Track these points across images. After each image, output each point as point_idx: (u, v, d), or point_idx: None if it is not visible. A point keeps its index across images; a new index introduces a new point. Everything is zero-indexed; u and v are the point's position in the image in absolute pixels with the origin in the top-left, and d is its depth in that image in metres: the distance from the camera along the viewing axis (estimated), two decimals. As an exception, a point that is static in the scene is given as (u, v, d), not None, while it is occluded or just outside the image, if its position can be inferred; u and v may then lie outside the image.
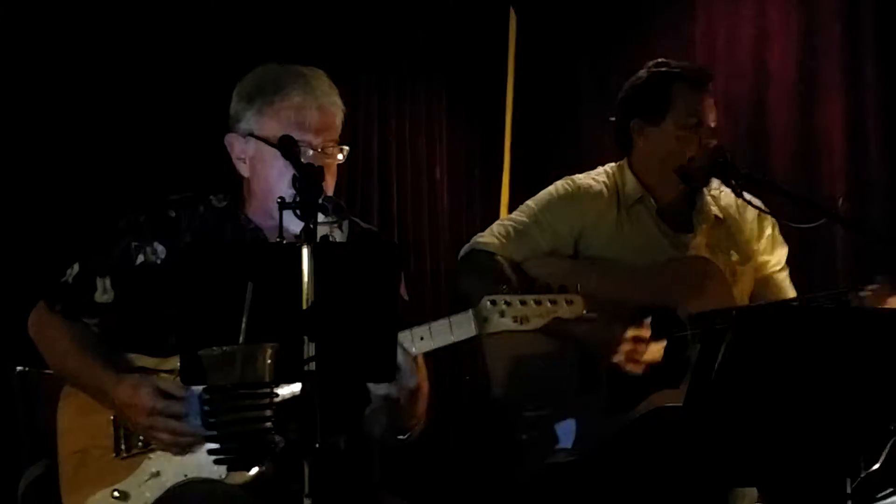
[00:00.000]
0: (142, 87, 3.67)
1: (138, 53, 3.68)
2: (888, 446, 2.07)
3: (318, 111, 2.35)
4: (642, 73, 3.09)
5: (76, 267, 2.42)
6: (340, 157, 2.39)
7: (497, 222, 3.10)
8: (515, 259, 3.01)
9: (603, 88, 4.47)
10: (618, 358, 2.81)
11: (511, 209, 3.39)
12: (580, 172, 3.17)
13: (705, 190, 3.07)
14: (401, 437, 2.30)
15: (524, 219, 3.05)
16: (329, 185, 2.34)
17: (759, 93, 4.05)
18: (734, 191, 2.99)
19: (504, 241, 3.02)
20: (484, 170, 4.60)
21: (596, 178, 3.11)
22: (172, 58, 3.72)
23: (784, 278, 3.12)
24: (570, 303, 2.21)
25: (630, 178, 3.07)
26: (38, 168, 3.53)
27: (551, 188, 3.10)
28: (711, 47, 4.20)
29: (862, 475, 2.08)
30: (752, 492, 2.63)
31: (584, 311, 2.22)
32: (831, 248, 3.22)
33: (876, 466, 2.09)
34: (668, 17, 4.34)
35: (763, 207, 3.07)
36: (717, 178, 3.02)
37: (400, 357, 2.13)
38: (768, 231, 3.11)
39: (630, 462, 2.77)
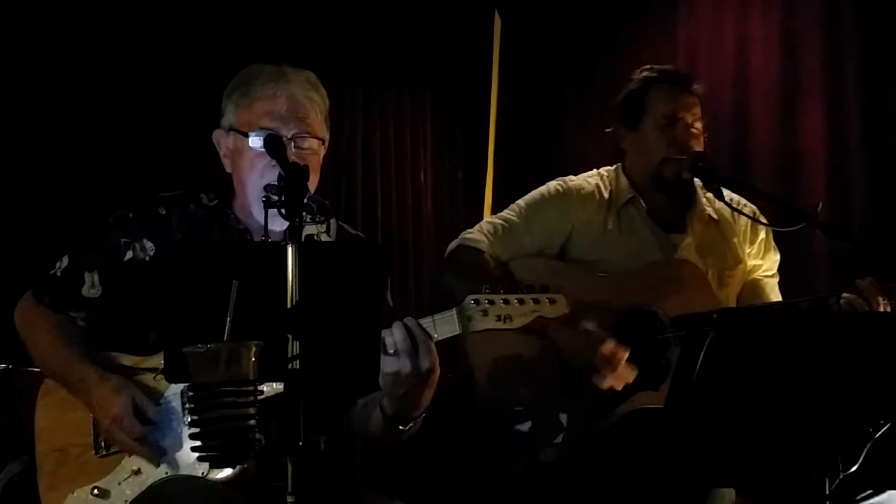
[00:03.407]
0: (136, 84, 3.69)
1: (134, 51, 3.69)
2: (866, 448, 2.08)
3: (287, 100, 2.36)
4: (629, 81, 3.12)
5: (65, 260, 2.43)
6: (313, 147, 2.38)
7: (486, 219, 3.11)
8: (501, 258, 3.02)
9: (586, 93, 4.50)
10: (605, 383, 2.79)
11: (495, 212, 3.40)
12: (563, 175, 3.18)
13: (700, 191, 3.08)
14: (402, 427, 2.27)
15: (513, 217, 3.07)
16: (311, 183, 2.35)
17: (741, 98, 4.07)
18: (715, 195, 3.01)
19: (491, 238, 3.03)
20: (468, 172, 4.62)
21: (589, 179, 3.12)
22: (167, 57, 3.73)
23: (773, 285, 3.13)
24: (552, 302, 2.22)
25: (623, 180, 3.09)
26: (27, 163, 3.53)
27: (543, 188, 3.12)
28: (694, 53, 4.23)
29: (841, 476, 2.09)
30: (731, 492, 2.65)
31: (567, 310, 2.23)
32: (810, 252, 3.24)
33: (854, 468, 2.10)
34: (651, 23, 4.36)
35: (758, 215, 3.08)
36: (686, 183, 3.02)
37: (419, 336, 2.14)
38: (761, 236, 3.13)
39: (610, 463, 2.78)
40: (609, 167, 3.16)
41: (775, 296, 3.11)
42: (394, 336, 2.14)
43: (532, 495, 2.91)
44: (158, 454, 2.28)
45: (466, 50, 4.57)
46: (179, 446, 2.26)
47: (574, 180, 3.12)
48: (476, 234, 3.04)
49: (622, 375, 2.78)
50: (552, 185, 3.11)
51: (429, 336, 2.17)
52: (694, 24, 4.26)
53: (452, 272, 3.02)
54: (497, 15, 4.59)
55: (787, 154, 4.04)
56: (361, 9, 4.29)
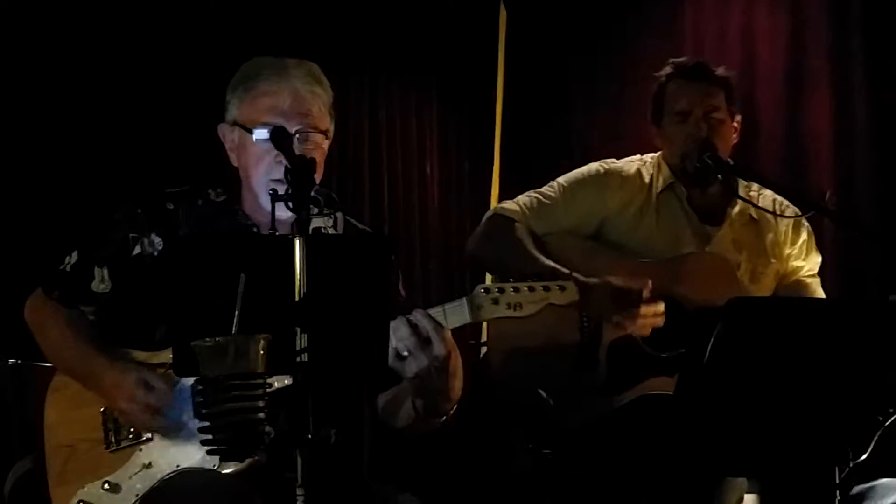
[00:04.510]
0: (142, 79, 3.70)
1: (140, 45, 3.71)
2: (876, 436, 2.08)
3: (290, 95, 2.36)
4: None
5: (74, 255, 2.44)
6: (317, 142, 2.38)
7: (525, 193, 3.12)
8: (536, 232, 3.03)
9: (592, 84, 4.50)
10: (615, 318, 2.81)
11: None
12: (569, 166, 3.19)
13: (742, 189, 3.08)
14: (438, 420, 2.28)
15: (552, 193, 3.08)
16: (316, 177, 2.35)
17: (748, 89, 4.06)
18: (726, 186, 3.01)
19: (528, 211, 3.05)
20: (474, 165, 4.62)
21: (631, 162, 3.14)
22: (172, 51, 3.74)
23: (817, 284, 3.13)
24: (563, 289, 2.22)
25: (665, 167, 3.10)
26: (35, 158, 3.54)
27: (584, 168, 3.13)
28: (700, 44, 4.22)
29: (850, 465, 2.09)
30: (742, 481, 2.65)
31: (577, 298, 2.23)
32: (819, 241, 3.23)
33: (864, 456, 2.10)
34: (657, 14, 4.36)
35: (801, 216, 3.08)
36: (707, 172, 3.02)
37: (428, 327, 2.14)
38: (803, 237, 3.13)
39: (617, 448, 2.79)
40: (652, 154, 3.16)
41: (819, 295, 3.10)
42: (400, 333, 2.14)
43: (537, 482, 2.91)
44: (173, 439, 2.28)
45: (472, 43, 4.57)
46: (189, 440, 2.26)
47: (616, 163, 3.13)
48: (512, 206, 3.07)
49: (657, 318, 2.80)
50: (594, 165, 3.13)
51: (438, 324, 2.16)
52: (700, 15, 4.25)
53: (484, 238, 3.05)
54: (502, 7, 4.59)
55: (794, 144, 4.03)
56: (366, 1, 4.29)
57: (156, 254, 2.40)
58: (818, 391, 2.07)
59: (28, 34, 3.56)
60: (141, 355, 2.37)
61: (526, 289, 2.20)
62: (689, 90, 3.05)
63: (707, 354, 2.01)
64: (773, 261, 3.08)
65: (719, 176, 3.00)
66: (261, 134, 2.28)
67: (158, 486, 2.26)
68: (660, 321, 2.83)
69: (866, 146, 3.89)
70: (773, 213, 3.07)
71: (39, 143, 3.57)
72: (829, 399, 2.08)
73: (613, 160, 3.15)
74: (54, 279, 2.45)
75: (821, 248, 3.21)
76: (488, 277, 2.89)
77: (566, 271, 2.63)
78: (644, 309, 2.80)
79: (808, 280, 3.12)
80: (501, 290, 2.21)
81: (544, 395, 2.82)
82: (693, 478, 2.52)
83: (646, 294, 2.80)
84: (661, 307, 2.82)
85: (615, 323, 2.84)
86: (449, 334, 2.19)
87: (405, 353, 2.15)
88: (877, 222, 3.80)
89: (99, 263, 2.41)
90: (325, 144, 2.42)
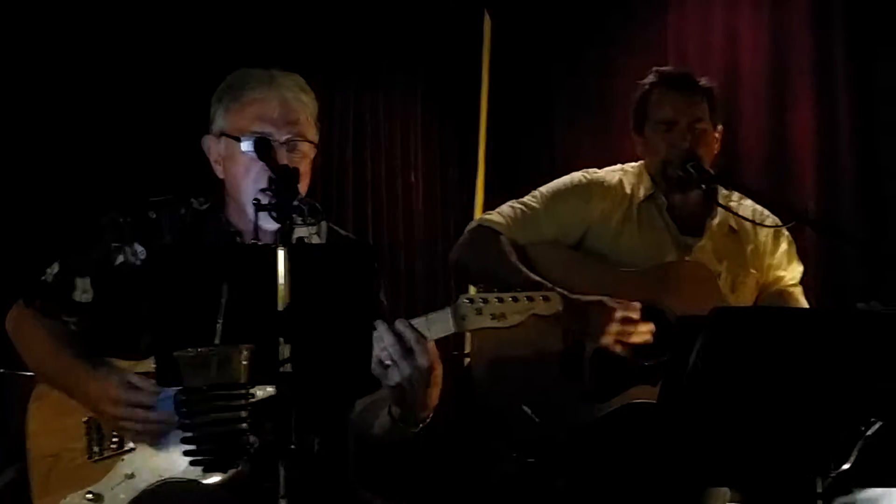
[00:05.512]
0: (125, 89, 3.69)
1: (123, 56, 3.69)
2: (858, 446, 2.09)
3: (279, 104, 2.36)
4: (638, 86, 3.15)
5: (56, 266, 2.43)
6: (305, 151, 2.38)
7: (507, 204, 3.12)
8: (520, 242, 3.03)
9: (576, 92, 4.51)
10: (605, 340, 2.82)
11: (486, 210, 3.41)
12: (553, 174, 3.20)
13: (722, 199, 3.08)
14: (413, 429, 2.28)
15: (534, 204, 3.08)
16: (302, 186, 2.35)
17: (731, 95, 4.07)
18: (708, 196, 3.02)
19: (510, 222, 3.05)
20: (459, 171, 4.62)
21: (612, 172, 3.14)
22: (155, 62, 3.73)
23: (800, 293, 3.14)
24: (546, 300, 2.23)
25: (646, 177, 3.11)
26: (15, 168, 3.52)
27: (566, 178, 3.13)
28: (683, 51, 4.23)
29: (832, 474, 2.10)
30: (725, 490, 2.65)
31: (560, 309, 2.23)
32: (801, 250, 3.24)
33: (846, 466, 2.10)
34: (641, 21, 4.37)
35: (780, 226, 3.09)
36: (689, 182, 3.03)
37: (411, 338, 2.15)
38: (783, 247, 3.13)
39: (600, 457, 2.79)
40: (634, 163, 3.16)
41: (802, 304, 3.11)
42: (384, 342, 2.14)
43: (521, 491, 2.92)
44: (158, 448, 2.27)
45: (456, 50, 4.57)
46: (172, 450, 2.25)
47: (598, 173, 3.13)
48: (496, 217, 3.07)
49: (641, 333, 2.81)
50: (576, 175, 3.13)
51: (421, 336, 2.17)
52: (683, 23, 4.26)
53: (468, 247, 3.05)
54: (487, 15, 4.59)
55: (777, 150, 4.04)
56: (351, 9, 4.29)
57: (139, 263, 2.40)
58: (801, 401, 2.08)
59: (12, 43, 3.54)
60: (124, 364, 2.36)
61: (510, 299, 2.21)
62: (673, 99, 3.05)
63: (690, 363, 2.01)
64: (752, 271, 3.09)
65: (703, 186, 3.00)
66: (248, 145, 2.27)
67: (141, 497, 2.25)
68: (648, 339, 2.83)
69: (849, 154, 3.90)
70: (753, 221, 3.08)
71: (20, 153, 3.55)
72: (811, 409, 2.08)
73: (595, 170, 3.15)
74: (36, 289, 2.43)
75: (804, 258, 3.22)
76: (472, 288, 2.88)
77: (549, 286, 2.64)
78: (635, 329, 2.81)
79: (791, 289, 3.13)
80: (485, 301, 2.21)
81: (529, 412, 2.83)
82: (676, 486, 2.52)
83: (636, 316, 2.80)
84: (650, 327, 2.83)
85: (603, 343, 2.84)
86: (433, 345, 2.20)
87: (388, 363, 2.15)
88: (860, 230, 3.81)
89: (81, 273, 2.41)
90: (312, 154, 2.42)
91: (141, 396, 2.25)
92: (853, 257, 3.76)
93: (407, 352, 2.14)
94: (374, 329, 2.12)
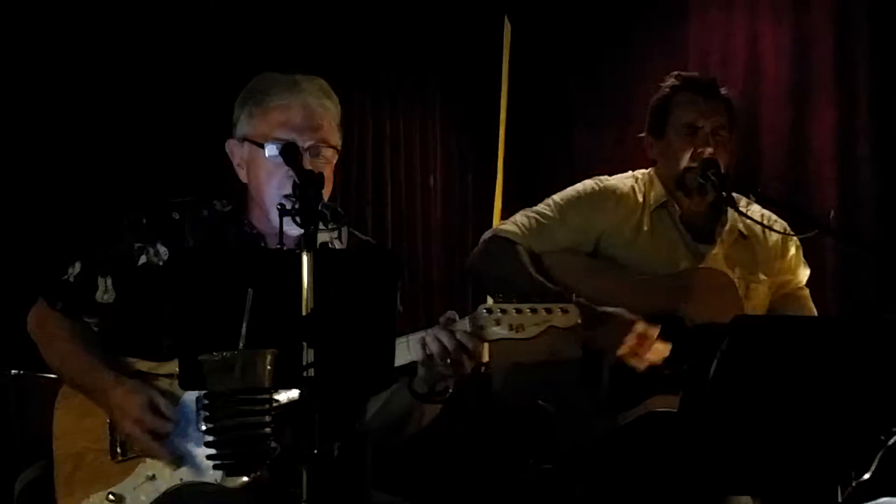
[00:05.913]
0: (149, 91, 3.70)
1: (147, 57, 3.73)
2: (879, 455, 2.09)
3: (302, 110, 2.37)
4: (658, 88, 3.14)
5: (78, 265, 2.43)
6: (328, 157, 2.39)
7: (521, 212, 3.12)
8: (535, 251, 3.04)
9: (595, 98, 4.51)
10: (622, 351, 2.82)
11: (505, 217, 3.41)
12: (572, 180, 3.19)
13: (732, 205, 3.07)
14: (437, 398, 2.31)
15: (548, 212, 3.08)
16: (325, 191, 2.36)
17: (752, 102, 4.07)
18: (726, 203, 3.02)
19: (526, 231, 3.05)
20: (477, 178, 4.62)
21: (625, 180, 3.13)
22: (178, 64, 3.76)
23: (807, 297, 3.13)
24: (564, 311, 2.23)
25: (657, 184, 3.10)
26: (39, 167, 3.54)
27: (579, 186, 3.13)
28: (704, 57, 4.22)
29: (853, 483, 2.09)
30: (746, 499, 2.65)
31: (578, 321, 2.23)
32: (820, 260, 3.23)
33: (867, 475, 2.10)
34: (662, 27, 4.37)
35: (788, 231, 3.09)
36: (708, 190, 3.02)
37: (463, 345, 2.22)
38: (792, 251, 3.13)
39: (621, 466, 2.79)
40: (644, 170, 3.16)
41: (811, 308, 3.11)
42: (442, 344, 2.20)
43: (541, 499, 2.91)
44: (177, 456, 2.28)
45: (476, 55, 4.58)
46: (194, 453, 2.26)
47: (610, 180, 3.12)
48: (510, 226, 3.07)
49: (657, 351, 2.81)
50: (588, 183, 3.12)
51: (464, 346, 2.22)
52: (704, 29, 4.26)
53: (484, 256, 3.06)
54: (507, 21, 4.60)
55: (798, 158, 4.03)
56: (371, 14, 4.30)
57: (161, 263, 2.40)
58: (822, 410, 2.07)
59: (34, 40, 3.57)
60: (147, 365, 2.37)
61: (528, 310, 2.21)
62: (699, 104, 3.03)
63: (712, 372, 2.01)
64: (763, 276, 3.09)
65: (723, 193, 3.00)
66: (272, 150, 2.28)
67: (161, 499, 2.26)
68: (662, 357, 2.83)
69: (870, 159, 3.89)
70: (762, 224, 3.06)
71: (42, 152, 3.58)
72: (832, 418, 2.08)
73: (607, 177, 3.14)
74: (57, 290, 2.43)
75: (824, 266, 3.22)
76: (489, 298, 2.90)
77: (569, 296, 2.64)
78: (651, 347, 2.82)
79: (798, 293, 3.13)
80: (504, 311, 2.21)
81: (545, 405, 2.83)
82: (697, 496, 2.52)
83: (653, 334, 2.81)
84: (667, 347, 2.83)
85: (619, 355, 2.84)
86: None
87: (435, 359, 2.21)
88: (880, 238, 3.80)
89: (103, 273, 2.41)
90: (335, 159, 2.43)
91: (160, 425, 2.27)
92: (874, 265, 3.75)
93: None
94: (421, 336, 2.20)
